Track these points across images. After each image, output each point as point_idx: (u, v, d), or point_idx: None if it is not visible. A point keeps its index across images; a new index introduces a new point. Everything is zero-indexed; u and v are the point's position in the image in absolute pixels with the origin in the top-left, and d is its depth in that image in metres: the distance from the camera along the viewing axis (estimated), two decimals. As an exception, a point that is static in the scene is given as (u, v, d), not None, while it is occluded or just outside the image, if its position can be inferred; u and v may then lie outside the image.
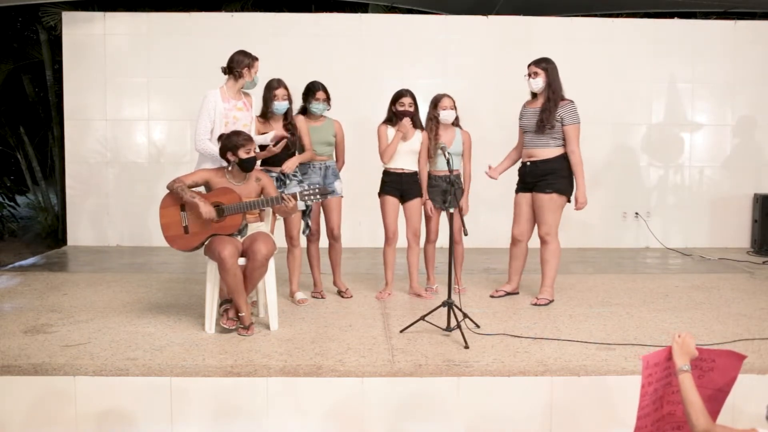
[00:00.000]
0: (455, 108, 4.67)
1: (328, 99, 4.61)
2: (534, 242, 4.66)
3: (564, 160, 4.49)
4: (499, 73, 6.98)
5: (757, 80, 7.27)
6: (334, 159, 4.74)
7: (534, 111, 4.51)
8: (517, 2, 7.57)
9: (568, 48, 7.03)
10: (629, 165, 7.36)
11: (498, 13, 7.65)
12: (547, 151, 4.48)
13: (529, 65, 4.51)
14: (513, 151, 4.77)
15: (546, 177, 4.47)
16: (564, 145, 4.48)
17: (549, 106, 4.43)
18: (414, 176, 4.69)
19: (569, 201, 4.55)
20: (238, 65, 4.16)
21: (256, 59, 4.22)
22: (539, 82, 4.45)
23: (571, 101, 4.49)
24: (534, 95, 4.58)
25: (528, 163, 4.56)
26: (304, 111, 4.63)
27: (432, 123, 4.67)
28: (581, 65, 7.07)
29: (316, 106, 4.58)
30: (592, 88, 7.10)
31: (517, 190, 4.68)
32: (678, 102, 7.33)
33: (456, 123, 4.72)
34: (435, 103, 4.68)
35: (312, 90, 4.59)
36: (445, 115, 4.64)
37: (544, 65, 4.46)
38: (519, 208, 4.65)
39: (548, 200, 4.48)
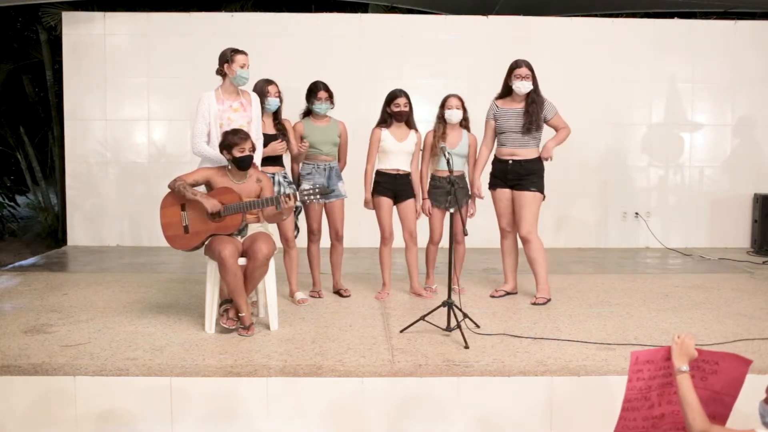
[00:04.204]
0: (463, 108, 4.67)
1: (330, 98, 4.61)
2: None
3: (540, 161, 4.59)
4: (499, 73, 6.94)
5: (757, 80, 7.26)
6: (338, 160, 4.74)
7: (516, 111, 4.56)
8: (517, 2, 7.57)
9: (568, 48, 7.03)
10: (629, 165, 7.35)
11: (498, 13, 7.65)
12: (530, 151, 4.57)
13: (519, 67, 4.50)
14: (483, 148, 4.75)
15: (530, 176, 4.56)
16: (538, 146, 4.60)
17: (535, 108, 4.51)
18: (408, 177, 4.69)
19: (544, 199, 4.63)
20: (220, 62, 4.12)
21: (239, 53, 4.08)
22: (528, 86, 4.50)
23: (545, 98, 4.58)
24: (509, 93, 4.59)
25: (511, 162, 4.59)
26: (309, 113, 4.63)
27: (439, 123, 4.68)
28: (581, 65, 7.07)
29: (318, 106, 4.58)
30: (592, 88, 7.10)
31: (495, 186, 4.68)
32: (678, 102, 7.32)
33: (465, 125, 4.73)
34: (443, 103, 4.70)
35: (314, 90, 4.59)
36: (450, 115, 4.63)
37: (531, 67, 4.52)
38: (501, 203, 4.70)
39: (532, 198, 4.56)
